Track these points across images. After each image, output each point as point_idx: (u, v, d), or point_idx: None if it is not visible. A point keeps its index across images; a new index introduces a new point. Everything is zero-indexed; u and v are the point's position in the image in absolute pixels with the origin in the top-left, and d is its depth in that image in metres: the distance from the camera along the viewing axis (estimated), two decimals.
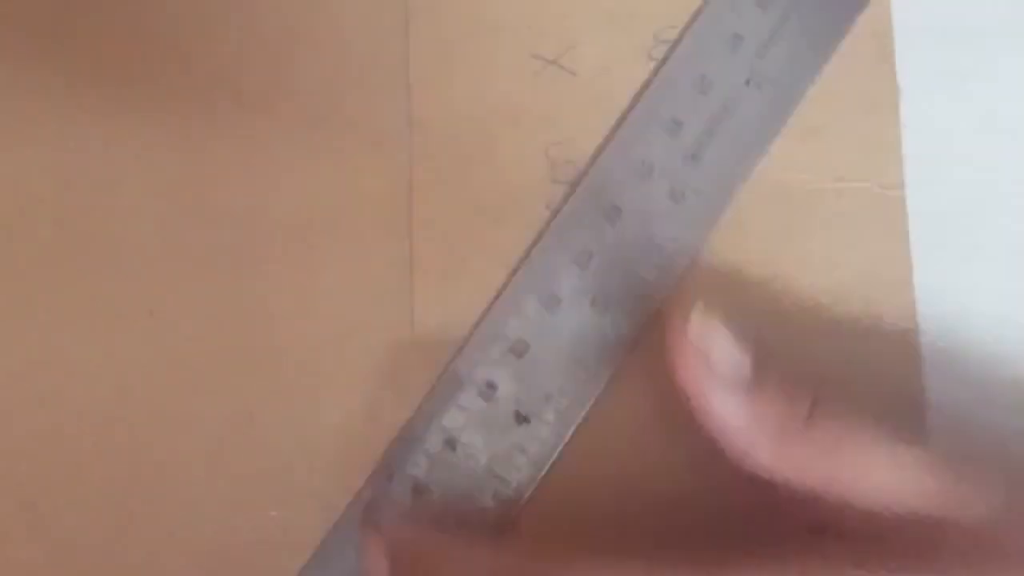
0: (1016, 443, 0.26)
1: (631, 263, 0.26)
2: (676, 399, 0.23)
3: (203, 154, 0.26)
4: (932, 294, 0.27)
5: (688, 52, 0.27)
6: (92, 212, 0.26)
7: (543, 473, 0.25)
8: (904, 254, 0.27)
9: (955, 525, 0.21)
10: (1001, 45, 0.28)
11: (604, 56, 0.27)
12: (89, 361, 0.26)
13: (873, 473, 0.22)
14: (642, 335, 0.26)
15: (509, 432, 0.25)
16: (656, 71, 0.27)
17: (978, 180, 0.27)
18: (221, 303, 0.26)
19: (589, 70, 0.27)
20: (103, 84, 0.27)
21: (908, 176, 0.27)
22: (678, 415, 0.24)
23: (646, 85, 0.27)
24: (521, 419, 0.25)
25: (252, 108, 0.27)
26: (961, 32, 0.28)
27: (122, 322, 0.26)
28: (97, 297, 0.26)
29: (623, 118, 0.27)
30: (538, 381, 0.25)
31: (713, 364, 0.23)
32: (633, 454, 0.26)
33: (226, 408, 0.26)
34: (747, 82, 0.27)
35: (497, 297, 0.26)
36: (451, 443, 0.25)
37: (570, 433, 0.25)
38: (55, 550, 0.25)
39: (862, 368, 0.26)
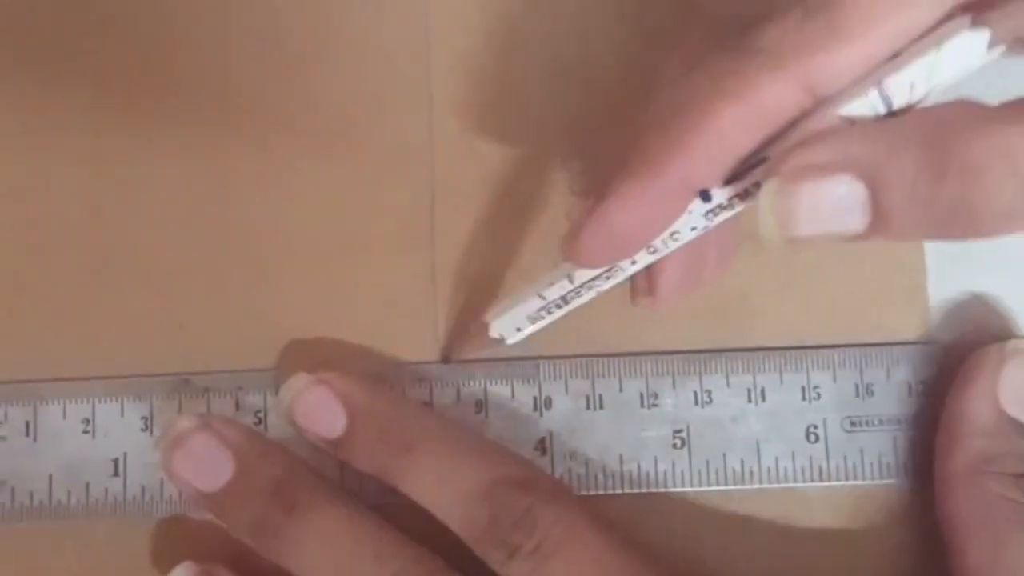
0: None
1: None
2: None
3: (227, 169, 0.27)
4: (945, 302, 0.27)
5: None
6: (120, 229, 0.27)
7: None
8: (919, 263, 0.27)
9: None
10: None
11: (624, 68, 0.27)
12: (118, 374, 0.26)
13: None
14: None
15: None
16: None
17: None
18: (247, 318, 0.26)
19: (608, 81, 0.27)
20: (128, 105, 0.27)
21: None
22: None
23: None
24: None
25: (275, 123, 0.27)
26: None
27: (152, 335, 0.26)
28: (126, 311, 0.26)
29: None
30: None
31: None
32: None
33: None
34: None
35: None
36: None
37: None
38: None
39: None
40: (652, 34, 0.27)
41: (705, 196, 0.21)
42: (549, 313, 0.24)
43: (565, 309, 0.24)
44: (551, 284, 0.23)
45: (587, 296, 0.24)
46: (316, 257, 0.27)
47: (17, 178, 0.27)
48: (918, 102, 0.20)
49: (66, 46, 0.27)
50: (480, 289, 0.27)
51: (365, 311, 0.27)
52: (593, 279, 0.23)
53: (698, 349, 0.27)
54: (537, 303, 0.24)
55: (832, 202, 0.18)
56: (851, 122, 0.19)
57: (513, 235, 0.27)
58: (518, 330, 0.25)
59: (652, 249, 0.22)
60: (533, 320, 0.24)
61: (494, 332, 0.25)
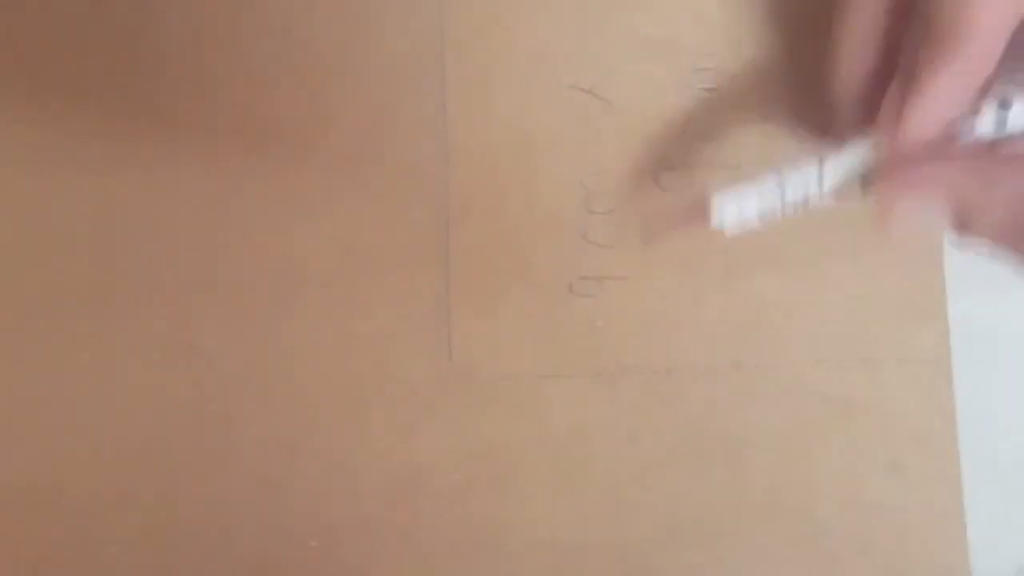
0: None
1: None
2: None
3: (241, 188, 0.27)
4: (965, 322, 0.27)
5: None
6: (133, 248, 0.26)
7: None
8: (938, 281, 0.27)
9: None
10: None
11: (641, 85, 0.27)
12: (131, 394, 0.26)
13: None
14: None
15: None
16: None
17: None
18: (261, 335, 0.26)
19: (625, 99, 0.27)
20: (141, 127, 0.27)
21: None
22: None
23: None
24: None
25: (289, 141, 0.27)
26: None
27: (164, 356, 0.26)
28: (139, 331, 0.26)
29: None
30: None
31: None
32: None
33: (267, 440, 0.26)
34: None
35: None
36: None
37: None
38: None
39: (895, 392, 0.27)
40: (669, 54, 0.27)
41: (1005, 104, 0.22)
42: (782, 205, 0.23)
43: (800, 207, 0.23)
44: (794, 185, 0.23)
45: (826, 198, 0.23)
46: (329, 275, 0.26)
47: (23, 199, 0.26)
48: None
49: (74, 69, 0.27)
50: (494, 307, 0.27)
51: (379, 328, 0.26)
52: (844, 179, 0.23)
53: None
54: (772, 187, 0.23)
55: (924, 213, 0.22)
56: (971, 130, 0.22)
57: (528, 253, 0.27)
58: (741, 214, 0.23)
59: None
60: (763, 206, 0.23)
61: (714, 209, 0.24)
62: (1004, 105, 0.22)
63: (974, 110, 0.22)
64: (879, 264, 0.27)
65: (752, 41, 0.27)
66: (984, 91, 0.22)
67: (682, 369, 0.27)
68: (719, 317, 0.27)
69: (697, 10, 0.27)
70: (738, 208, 0.23)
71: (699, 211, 0.24)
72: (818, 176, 0.23)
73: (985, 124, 0.22)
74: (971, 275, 0.27)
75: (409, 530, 0.26)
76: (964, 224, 0.21)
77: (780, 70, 0.27)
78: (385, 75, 0.27)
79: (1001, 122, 0.22)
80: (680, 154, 0.27)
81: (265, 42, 0.27)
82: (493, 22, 0.27)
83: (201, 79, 0.27)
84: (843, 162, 0.23)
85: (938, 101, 0.21)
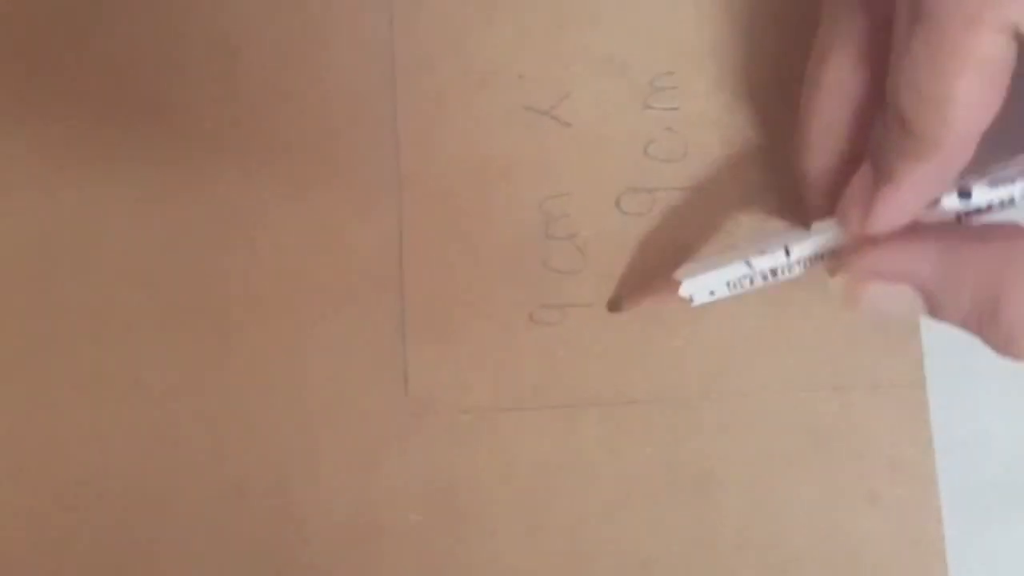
0: None
1: None
2: None
3: (187, 217, 0.26)
4: (940, 346, 0.26)
5: None
6: (76, 278, 0.25)
7: None
8: None
9: None
10: None
11: (599, 106, 0.26)
12: (74, 431, 0.25)
13: None
14: None
15: None
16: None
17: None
18: (209, 370, 0.25)
19: (584, 120, 0.26)
20: (83, 151, 0.26)
21: None
22: None
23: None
24: None
25: (237, 167, 0.26)
26: None
27: (108, 391, 0.25)
28: (82, 365, 0.25)
29: None
30: None
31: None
32: None
33: (216, 479, 0.25)
34: None
35: None
36: None
37: None
38: None
39: (869, 419, 0.26)
40: (628, 73, 0.26)
41: (964, 193, 0.22)
42: (751, 284, 0.24)
43: (768, 282, 0.24)
44: (763, 253, 0.23)
45: (795, 273, 0.23)
46: (280, 307, 0.25)
47: None
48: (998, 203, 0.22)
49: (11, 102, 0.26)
50: (452, 338, 0.26)
51: (332, 362, 0.25)
52: (812, 256, 0.23)
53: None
54: (741, 270, 0.23)
55: (891, 300, 0.22)
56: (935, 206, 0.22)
57: (487, 281, 0.26)
58: (711, 293, 0.24)
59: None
60: (732, 287, 0.24)
61: (684, 292, 0.24)
62: (964, 194, 0.22)
63: (935, 201, 0.22)
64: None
65: (713, 59, 0.26)
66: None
67: (647, 400, 0.26)
68: (686, 346, 0.26)
69: (655, 28, 0.26)
70: (707, 284, 0.24)
71: (669, 288, 0.24)
72: (785, 258, 0.23)
73: (946, 214, 0.22)
74: None
75: (369, 574, 0.25)
76: (933, 310, 0.22)
77: (741, 86, 0.26)
78: (334, 100, 0.26)
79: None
80: (641, 176, 0.26)
81: (210, 65, 0.26)
82: (445, 44, 0.26)
83: (142, 104, 0.26)
84: (809, 245, 0.23)
85: (910, 194, 0.22)
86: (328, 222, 0.26)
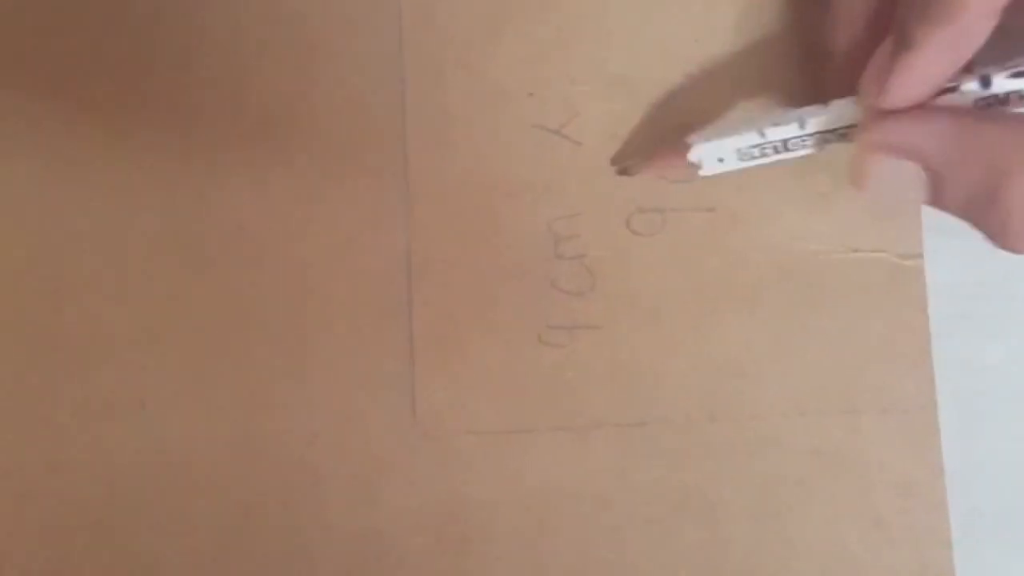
0: None
1: None
2: None
3: (194, 236, 0.25)
4: (951, 369, 0.26)
5: None
6: (81, 302, 0.25)
7: None
8: (922, 327, 0.26)
9: None
10: None
11: (609, 125, 0.26)
12: (79, 455, 0.25)
13: None
14: None
15: None
16: None
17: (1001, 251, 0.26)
18: (215, 394, 0.25)
19: (594, 140, 0.26)
20: (87, 170, 0.25)
21: (927, 246, 0.26)
22: None
23: None
24: None
25: (246, 185, 0.25)
26: None
27: (113, 415, 0.25)
28: (87, 389, 0.25)
29: None
30: None
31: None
32: None
33: (221, 504, 0.25)
34: None
35: None
36: None
37: None
38: None
39: (878, 443, 0.26)
40: (638, 92, 0.26)
41: (984, 81, 0.22)
42: (762, 155, 0.23)
43: (778, 157, 0.23)
44: (776, 124, 0.23)
45: (805, 151, 0.23)
46: (286, 329, 0.25)
47: None
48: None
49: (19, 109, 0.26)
50: (460, 359, 0.25)
51: (339, 384, 0.25)
52: (826, 131, 0.23)
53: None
54: (753, 139, 0.23)
55: (896, 176, 0.22)
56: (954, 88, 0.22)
57: (495, 301, 0.26)
58: (720, 161, 0.24)
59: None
60: (742, 157, 0.24)
61: (693, 156, 0.24)
62: (984, 83, 0.22)
63: (954, 87, 0.22)
64: (860, 310, 0.26)
65: (724, 78, 0.26)
66: (966, 70, 0.22)
67: (656, 422, 0.25)
68: (694, 368, 0.26)
69: (666, 47, 0.26)
70: (716, 151, 0.24)
71: (678, 150, 0.24)
72: (799, 130, 0.23)
73: (965, 101, 0.22)
74: (955, 319, 0.26)
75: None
76: (936, 195, 0.22)
77: (752, 105, 0.26)
78: (344, 118, 0.26)
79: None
80: (651, 195, 0.26)
81: (220, 83, 0.26)
82: (455, 63, 0.26)
83: (151, 122, 0.25)
84: (825, 119, 0.23)
85: (925, 66, 0.21)
86: (337, 240, 0.25)
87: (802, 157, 0.23)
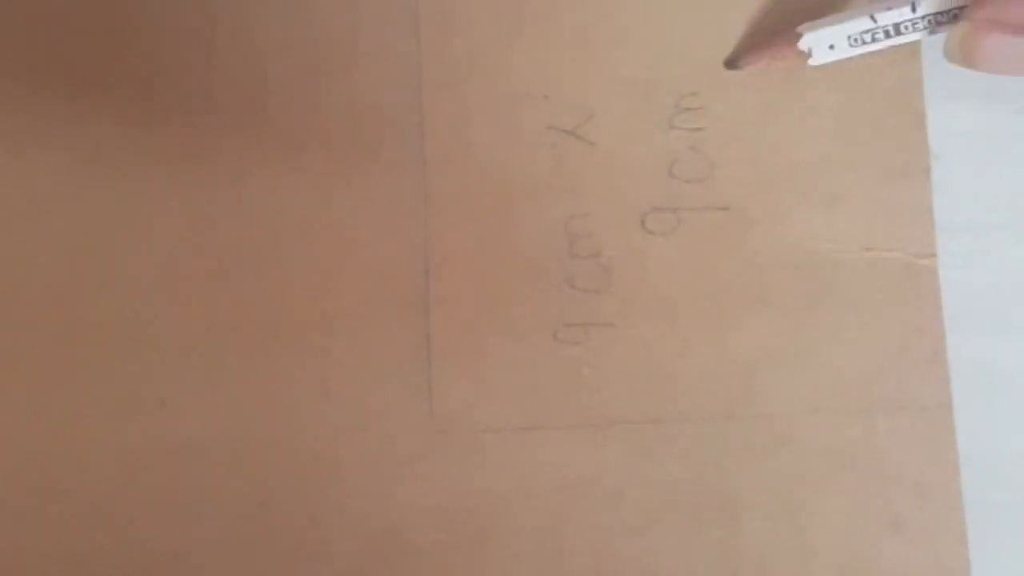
0: None
1: None
2: None
3: (212, 235, 0.26)
4: (967, 368, 0.26)
5: None
6: (102, 299, 0.25)
7: None
8: (937, 326, 0.26)
9: None
10: None
11: (624, 126, 0.26)
12: (99, 453, 0.25)
13: None
14: None
15: None
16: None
17: (1016, 249, 0.27)
18: (234, 391, 0.25)
19: (609, 140, 0.26)
20: (113, 173, 0.26)
21: (941, 245, 0.26)
22: None
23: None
24: None
25: (263, 186, 0.26)
26: (996, 94, 0.27)
27: (133, 412, 0.25)
28: (107, 387, 0.25)
29: None
30: None
31: None
32: None
33: (240, 499, 0.25)
34: None
35: None
36: None
37: None
38: None
39: (895, 443, 0.26)
40: (653, 93, 0.26)
41: None
42: (873, 40, 0.24)
43: (889, 42, 0.24)
44: (888, 8, 0.24)
45: (916, 35, 0.24)
46: (305, 327, 0.25)
47: None
48: None
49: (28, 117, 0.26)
50: (477, 357, 0.26)
51: (357, 381, 0.25)
52: (938, 13, 0.23)
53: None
54: (865, 24, 0.24)
55: (1010, 53, 0.22)
56: None
57: (511, 300, 0.26)
58: (831, 48, 0.24)
59: None
60: (852, 43, 0.24)
61: (803, 44, 0.24)
62: None
63: None
64: (875, 309, 0.26)
65: (738, 80, 0.26)
66: None
67: (672, 420, 0.26)
68: (711, 365, 0.26)
69: (680, 48, 0.26)
70: (828, 38, 0.24)
71: (787, 42, 0.24)
72: (911, 13, 0.23)
73: None
74: (970, 317, 0.26)
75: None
76: None
77: (766, 107, 0.26)
78: (361, 118, 0.26)
79: None
80: (666, 196, 0.26)
81: (238, 85, 0.26)
82: (471, 64, 0.26)
83: (171, 119, 0.26)
84: (937, 0, 0.23)
85: None
86: (356, 240, 0.26)
87: (913, 42, 0.24)
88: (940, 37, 0.24)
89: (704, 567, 0.25)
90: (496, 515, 0.25)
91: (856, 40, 0.24)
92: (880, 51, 0.24)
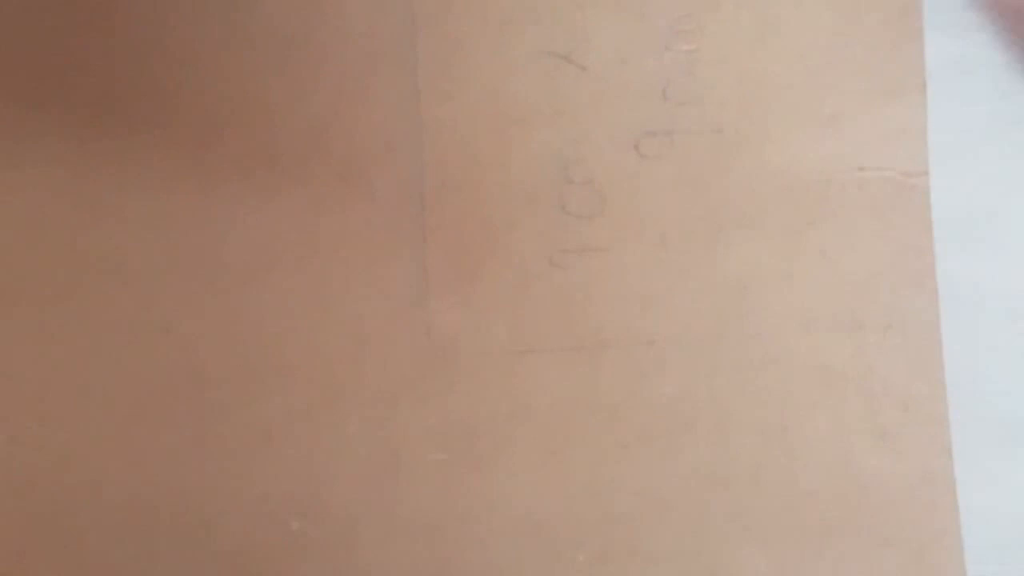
0: None
1: None
2: None
3: (209, 166, 0.26)
4: (956, 287, 0.26)
5: None
6: (103, 230, 0.26)
7: None
8: (927, 244, 0.26)
9: None
10: None
11: (618, 49, 0.26)
12: (104, 380, 0.26)
13: None
14: None
15: None
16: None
17: (1007, 168, 0.27)
18: (236, 319, 0.26)
19: (601, 64, 0.26)
20: (107, 123, 0.26)
21: (933, 164, 0.26)
22: None
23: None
24: None
25: (253, 119, 0.26)
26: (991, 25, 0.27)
27: (137, 340, 0.26)
28: (111, 315, 0.26)
29: None
30: None
31: None
32: None
33: (243, 424, 0.26)
34: None
35: None
36: None
37: None
38: (71, 569, 0.25)
39: (882, 359, 0.26)
40: (646, 16, 0.26)
41: None
42: None
43: None
44: None
45: None
46: (304, 256, 0.26)
47: None
48: None
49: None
50: (473, 283, 0.26)
51: (355, 308, 0.26)
52: None
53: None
54: None
55: None
56: None
57: (506, 226, 0.26)
58: None
59: None
60: None
61: None
62: None
63: None
64: (866, 229, 0.26)
65: (732, 1, 0.26)
66: None
67: (664, 341, 0.26)
68: (702, 288, 0.26)
69: None
70: None
71: None
72: None
73: None
74: (958, 240, 0.26)
75: (391, 510, 0.26)
76: None
77: (761, 27, 0.26)
78: (352, 48, 0.26)
79: None
80: (660, 119, 0.26)
81: (225, 12, 0.26)
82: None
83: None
84: None
85: None
86: (350, 172, 0.26)
87: None
88: None
89: (697, 480, 0.26)
90: (493, 435, 0.26)
91: None
92: None
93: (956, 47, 0.27)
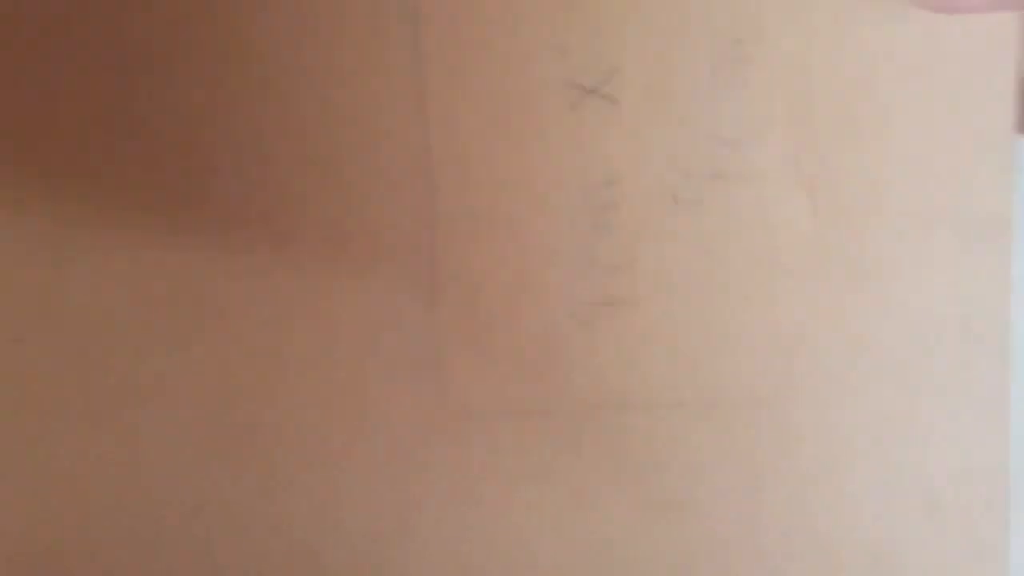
0: None
1: None
2: None
3: (202, 222, 0.24)
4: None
5: None
6: (87, 283, 0.25)
7: None
8: (1003, 306, 0.24)
9: None
10: None
11: (652, 85, 0.23)
12: (107, 440, 0.25)
13: None
14: None
15: None
16: None
17: None
18: (237, 374, 0.25)
19: (634, 99, 0.23)
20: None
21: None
22: None
23: None
24: None
25: (255, 178, 0.24)
26: None
27: (136, 399, 0.25)
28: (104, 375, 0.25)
29: None
30: None
31: None
32: None
33: (245, 484, 0.25)
34: None
35: None
36: None
37: None
38: None
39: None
40: (681, 50, 0.23)
41: None
42: None
43: None
44: None
45: None
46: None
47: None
48: None
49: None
50: (489, 337, 0.24)
51: (366, 359, 0.24)
52: None
53: None
54: None
55: None
56: None
57: (527, 275, 0.24)
58: None
59: None
60: None
61: None
62: None
63: None
64: (931, 281, 0.24)
65: (784, 28, 0.23)
66: None
67: (696, 404, 0.24)
68: (742, 346, 0.24)
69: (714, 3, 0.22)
70: None
71: None
72: None
73: None
74: None
75: (404, 570, 0.25)
76: None
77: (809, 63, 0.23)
78: (359, 92, 0.23)
79: None
80: (699, 161, 0.23)
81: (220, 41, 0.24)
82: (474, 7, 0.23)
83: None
84: None
85: None
86: (356, 222, 0.24)
87: None
88: None
89: (724, 550, 0.25)
90: (509, 499, 0.25)
91: None
92: None
93: None
